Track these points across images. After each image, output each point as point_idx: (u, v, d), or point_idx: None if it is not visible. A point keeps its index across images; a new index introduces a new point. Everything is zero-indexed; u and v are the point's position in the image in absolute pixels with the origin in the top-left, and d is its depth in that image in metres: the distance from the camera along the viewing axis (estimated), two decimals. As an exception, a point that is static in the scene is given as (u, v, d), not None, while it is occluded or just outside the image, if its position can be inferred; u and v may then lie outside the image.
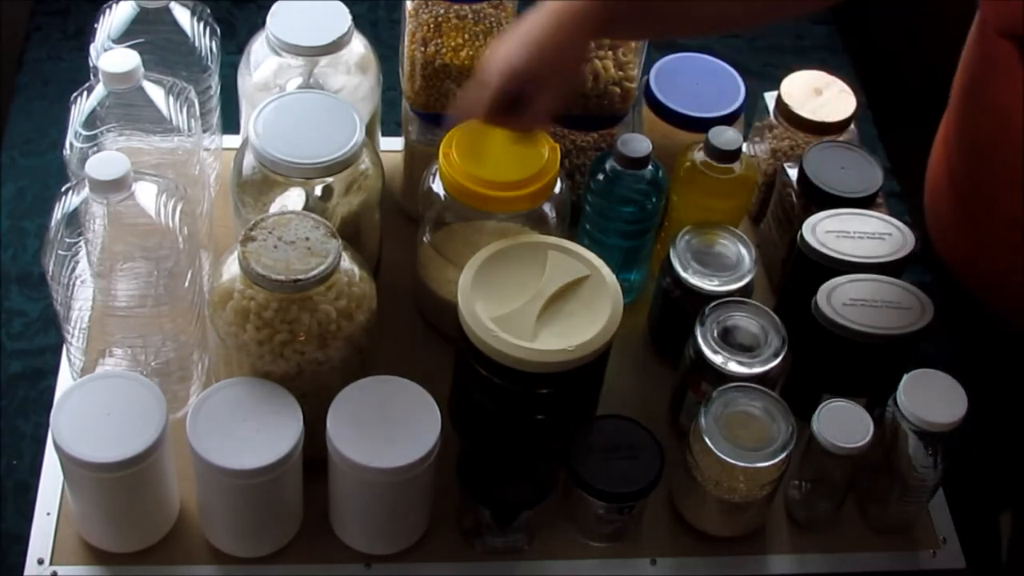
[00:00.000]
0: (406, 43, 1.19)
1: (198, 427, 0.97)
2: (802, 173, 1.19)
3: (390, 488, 0.99)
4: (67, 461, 0.97)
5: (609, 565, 1.07)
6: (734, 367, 1.07)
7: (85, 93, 1.09)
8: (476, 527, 1.05)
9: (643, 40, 1.20)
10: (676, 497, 1.10)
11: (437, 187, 1.11)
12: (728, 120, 1.23)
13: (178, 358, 1.08)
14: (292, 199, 1.08)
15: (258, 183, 1.09)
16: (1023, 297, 1.16)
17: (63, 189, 1.02)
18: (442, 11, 1.16)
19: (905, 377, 1.04)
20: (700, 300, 1.12)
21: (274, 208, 1.07)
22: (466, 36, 1.16)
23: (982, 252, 1.20)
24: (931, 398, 1.02)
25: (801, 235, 1.14)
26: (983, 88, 1.14)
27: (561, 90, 1.06)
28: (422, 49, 1.16)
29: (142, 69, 1.06)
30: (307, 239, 1.00)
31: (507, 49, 1.03)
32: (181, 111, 1.10)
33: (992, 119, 1.13)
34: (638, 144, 1.14)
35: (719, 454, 1.01)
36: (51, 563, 1.03)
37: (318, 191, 1.08)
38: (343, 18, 1.17)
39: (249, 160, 1.09)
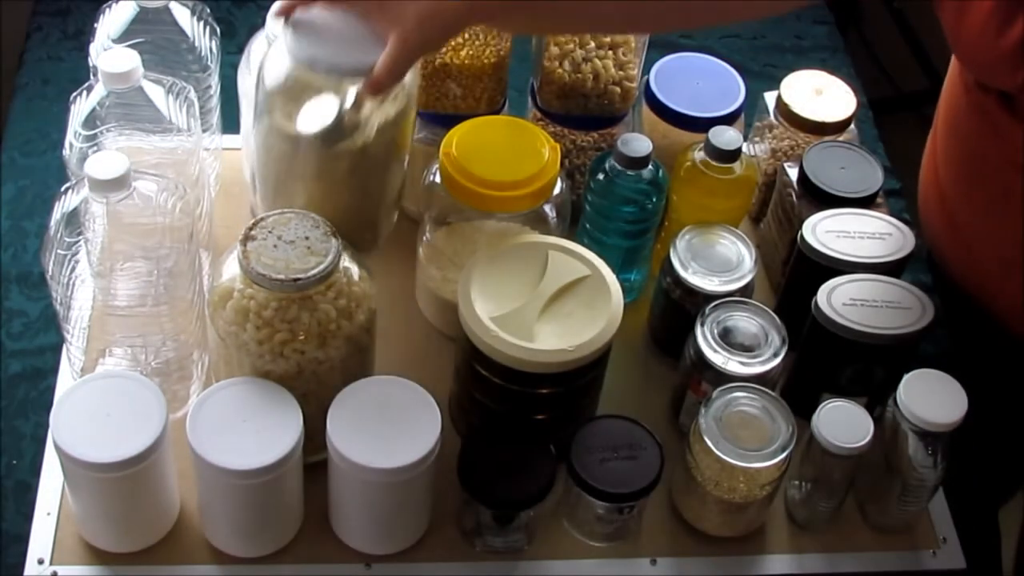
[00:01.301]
0: (406, 43, 1.19)
1: (198, 427, 0.97)
2: (802, 173, 1.19)
3: (390, 488, 0.99)
4: (67, 461, 0.97)
5: (609, 565, 1.07)
6: (734, 367, 1.07)
7: (85, 93, 1.09)
8: (476, 527, 1.05)
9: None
10: (676, 497, 1.10)
11: (438, 187, 1.11)
12: (728, 120, 1.23)
13: (178, 358, 1.08)
14: (325, 104, 1.03)
15: (289, 92, 1.03)
16: (1013, 307, 1.16)
17: (63, 189, 1.02)
18: (442, 11, 1.16)
19: (905, 377, 1.04)
20: (700, 300, 1.12)
21: (304, 112, 1.02)
22: (466, 35, 1.16)
23: (973, 265, 1.20)
24: (931, 398, 1.02)
25: (801, 235, 1.14)
26: (965, 124, 1.14)
27: (409, 49, 0.98)
28: (422, 49, 1.16)
29: (142, 69, 1.06)
30: (307, 238, 1.00)
31: None
32: (181, 111, 1.10)
33: (976, 158, 1.14)
34: (638, 144, 1.14)
35: (719, 454, 1.01)
36: (51, 563, 1.03)
37: (349, 102, 1.03)
38: (343, 18, 1.16)
39: (277, 69, 1.02)
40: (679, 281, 1.13)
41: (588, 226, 1.19)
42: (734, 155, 1.16)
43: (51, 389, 1.13)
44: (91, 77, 1.13)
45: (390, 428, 0.99)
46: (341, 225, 1.02)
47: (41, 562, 1.03)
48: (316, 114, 1.02)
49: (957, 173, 1.18)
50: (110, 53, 1.06)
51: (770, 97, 1.29)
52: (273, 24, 1.06)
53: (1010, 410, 1.23)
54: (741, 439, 1.02)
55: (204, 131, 1.17)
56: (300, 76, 1.01)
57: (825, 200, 1.17)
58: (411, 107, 1.07)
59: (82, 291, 1.07)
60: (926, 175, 1.25)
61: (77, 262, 1.02)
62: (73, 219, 1.00)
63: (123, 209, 0.99)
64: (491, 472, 1.03)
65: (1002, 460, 1.25)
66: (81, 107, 1.08)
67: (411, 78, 1.06)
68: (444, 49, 1.16)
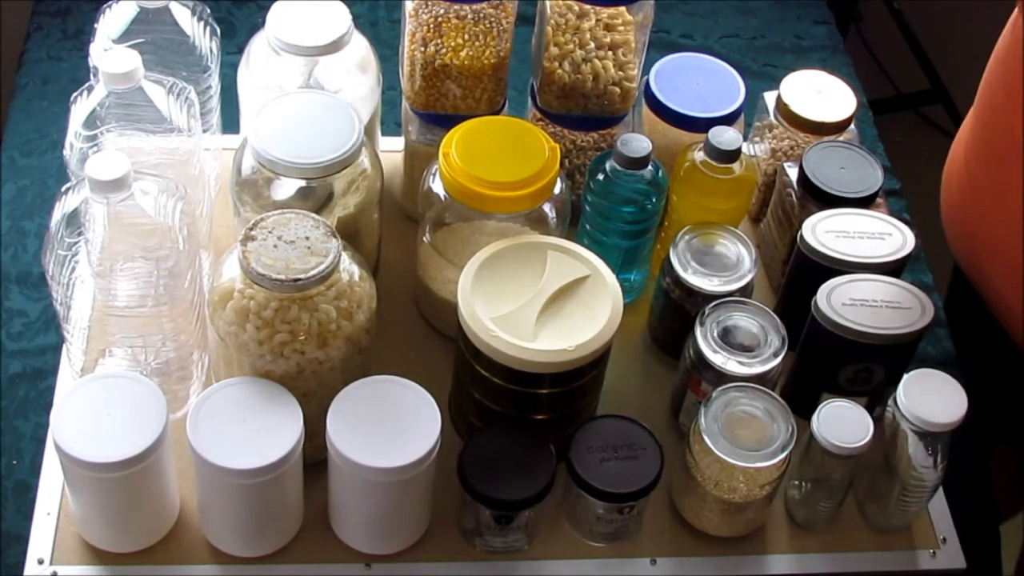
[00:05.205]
0: (406, 43, 1.19)
1: (198, 427, 0.97)
2: (802, 173, 1.19)
3: (390, 488, 0.99)
4: (67, 461, 0.97)
5: (609, 565, 1.08)
6: (734, 367, 1.07)
7: (85, 93, 1.09)
8: (476, 527, 1.05)
9: None
10: (676, 497, 1.10)
11: (437, 187, 1.11)
12: (728, 120, 1.23)
13: (178, 358, 1.08)
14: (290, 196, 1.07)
15: (257, 183, 1.09)
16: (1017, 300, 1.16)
17: (63, 189, 1.02)
18: (442, 11, 1.16)
19: (905, 377, 1.04)
20: (700, 300, 1.12)
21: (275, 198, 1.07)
22: (466, 36, 1.16)
23: (987, 246, 1.19)
24: (931, 398, 1.02)
25: (801, 235, 1.14)
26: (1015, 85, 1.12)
27: None
28: (422, 49, 1.16)
29: (142, 69, 1.06)
30: (307, 238, 1.00)
31: None
32: (181, 111, 1.10)
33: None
34: (638, 144, 1.14)
35: (719, 454, 1.01)
36: (51, 563, 1.03)
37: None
38: (343, 18, 1.17)
39: (248, 160, 1.09)
40: (679, 281, 1.14)
41: (588, 226, 1.19)
42: (734, 155, 1.16)
43: (51, 389, 1.13)
44: (91, 77, 1.13)
45: (390, 428, 0.99)
46: None
47: (41, 562, 1.03)
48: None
49: (993, 139, 1.15)
50: (110, 53, 1.06)
51: (770, 97, 1.29)
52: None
53: (1010, 410, 1.23)
54: (741, 439, 1.02)
55: (204, 131, 1.17)
56: (266, 173, 1.07)
57: (825, 200, 1.17)
58: (373, 199, 1.11)
59: (82, 291, 1.07)
60: (956, 149, 1.23)
61: (77, 262, 1.02)
62: (73, 219, 1.00)
63: (123, 209, 0.99)
64: (491, 472, 1.03)
65: (1001, 459, 1.25)
66: (81, 107, 1.08)
67: (374, 173, 1.11)
68: (444, 50, 1.16)
